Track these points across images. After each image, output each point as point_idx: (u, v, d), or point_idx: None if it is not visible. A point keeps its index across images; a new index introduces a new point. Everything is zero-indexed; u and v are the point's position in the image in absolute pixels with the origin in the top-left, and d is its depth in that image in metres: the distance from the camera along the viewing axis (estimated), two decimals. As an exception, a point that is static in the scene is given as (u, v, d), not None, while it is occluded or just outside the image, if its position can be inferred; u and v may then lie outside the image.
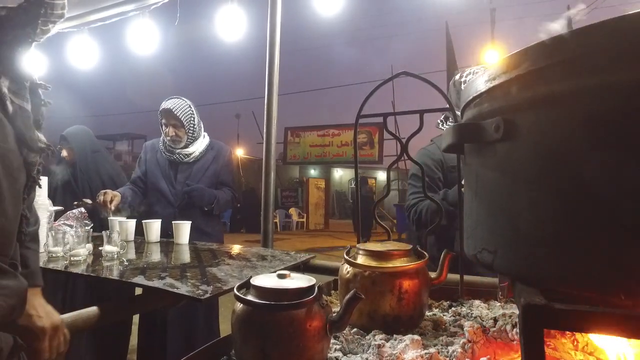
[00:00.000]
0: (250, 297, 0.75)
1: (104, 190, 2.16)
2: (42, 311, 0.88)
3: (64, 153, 2.51)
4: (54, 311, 0.90)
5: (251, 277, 0.80)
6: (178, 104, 2.31)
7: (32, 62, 0.85)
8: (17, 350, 0.80)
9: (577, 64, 0.50)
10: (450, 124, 1.79)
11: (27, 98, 0.83)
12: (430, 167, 1.75)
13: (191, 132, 2.33)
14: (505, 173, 0.60)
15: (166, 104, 2.31)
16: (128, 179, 2.54)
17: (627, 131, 0.46)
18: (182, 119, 2.29)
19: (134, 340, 3.36)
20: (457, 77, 1.77)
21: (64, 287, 2.29)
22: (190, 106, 2.34)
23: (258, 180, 2.32)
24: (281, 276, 0.79)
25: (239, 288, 0.79)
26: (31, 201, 0.97)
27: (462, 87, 1.68)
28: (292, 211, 16.70)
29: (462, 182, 1.59)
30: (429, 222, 1.65)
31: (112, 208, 2.13)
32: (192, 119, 2.33)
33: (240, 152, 20.16)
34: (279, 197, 17.38)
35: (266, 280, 0.78)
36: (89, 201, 2.28)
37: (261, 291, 0.74)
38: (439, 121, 1.84)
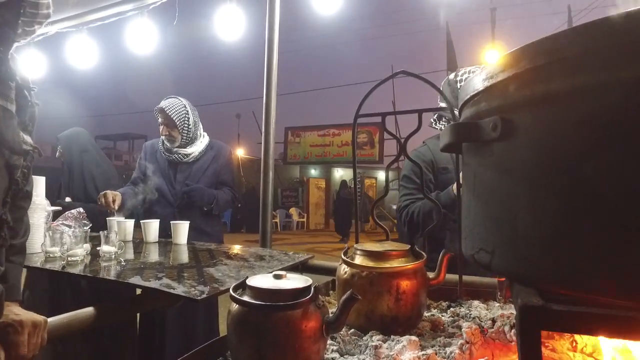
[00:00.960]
0: (245, 298, 0.74)
1: (104, 192, 2.16)
2: (21, 312, 0.88)
3: (58, 154, 2.55)
4: (35, 314, 0.90)
5: (247, 277, 0.79)
6: (172, 104, 2.31)
7: (23, 63, 0.82)
8: None
9: (576, 62, 0.49)
10: (443, 123, 1.79)
11: (11, 99, 0.81)
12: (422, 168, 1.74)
13: (185, 132, 2.32)
14: (503, 172, 0.60)
15: (161, 103, 2.32)
16: (124, 179, 2.54)
17: (626, 130, 0.46)
18: (174, 118, 2.28)
19: (133, 340, 3.37)
20: (451, 76, 1.77)
21: (70, 285, 2.30)
22: (185, 106, 2.33)
23: (258, 180, 2.32)
24: (277, 277, 0.78)
25: (235, 289, 0.78)
26: (23, 211, 0.96)
27: (458, 86, 1.68)
28: (293, 211, 16.70)
29: (452, 185, 1.59)
30: (421, 223, 1.65)
31: (116, 208, 2.13)
32: (185, 119, 2.32)
33: (240, 152, 20.15)
34: (279, 197, 17.38)
35: (262, 280, 0.77)
36: (68, 200, 2.30)
37: (257, 292, 0.74)
38: (432, 120, 1.83)
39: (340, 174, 24.03)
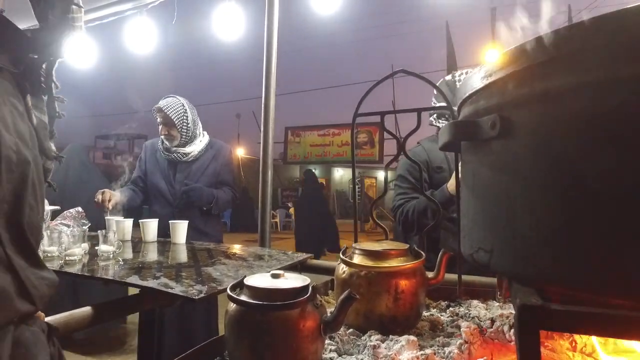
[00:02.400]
0: (243, 297, 0.74)
1: (102, 190, 2.16)
2: None
3: None
4: None
5: (245, 276, 0.79)
6: (170, 103, 2.30)
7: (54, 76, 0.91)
8: (53, 333, 0.82)
9: (575, 60, 0.49)
10: (442, 121, 1.80)
11: (44, 110, 0.88)
12: (416, 168, 1.77)
13: (184, 131, 2.31)
14: (502, 171, 0.59)
15: (159, 103, 2.31)
16: (103, 180, 2.56)
17: (626, 129, 0.45)
18: (172, 118, 2.28)
19: (133, 340, 3.37)
20: (448, 77, 1.80)
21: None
22: (183, 105, 2.33)
23: (257, 179, 2.31)
24: (275, 276, 0.78)
25: (233, 288, 0.78)
26: None
27: (457, 86, 1.70)
28: (293, 211, 16.70)
29: (449, 182, 1.60)
30: (416, 222, 1.68)
31: (110, 207, 2.13)
32: (184, 118, 2.31)
33: (240, 152, 20.13)
34: (279, 196, 17.40)
35: (260, 280, 0.77)
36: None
37: (254, 291, 0.73)
38: (432, 119, 1.84)
39: (341, 173, 24.07)
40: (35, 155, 0.79)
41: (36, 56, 0.81)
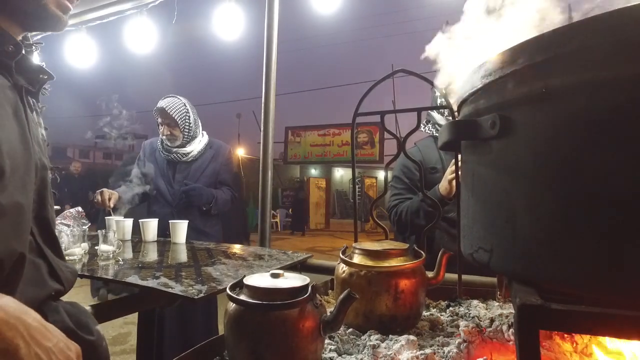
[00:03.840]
0: (242, 297, 0.74)
1: (101, 189, 2.15)
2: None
3: None
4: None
5: (244, 276, 0.79)
6: (172, 103, 2.30)
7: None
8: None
9: (574, 59, 0.49)
10: (430, 126, 1.83)
11: (43, 125, 0.96)
12: (411, 169, 1.81)
13: (186, 131, 2.31)
14: (501, 170, 0.59)
15: (160, 103, 2.31)
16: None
17: (626, 128, 0.45)
18: (175, 117, 2.27)
19: (133, 339, 3.37)
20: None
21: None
22: (185, 105, 2.33)
23: (258, 179, 2.31)
24: (275, 275, 0.77)
25: (232, 287, 0.78)
26: None
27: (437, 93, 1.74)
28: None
29: (440, 183, 1.62)
30: (410, 222, 1.70)
31: (111, 206, 2.13)
32: (186, 117, 2.31)
33: (241, 152, 20.11)
34: (279, 196, 17.44)
35: (259, 279, 0.77)
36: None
37: (254, 291, 0.73)
38: (422, 124, 1.86)
39: (341, 173, 24.08)
40: (47, 162, 0.89)
41: (46, 76, 0.91)
